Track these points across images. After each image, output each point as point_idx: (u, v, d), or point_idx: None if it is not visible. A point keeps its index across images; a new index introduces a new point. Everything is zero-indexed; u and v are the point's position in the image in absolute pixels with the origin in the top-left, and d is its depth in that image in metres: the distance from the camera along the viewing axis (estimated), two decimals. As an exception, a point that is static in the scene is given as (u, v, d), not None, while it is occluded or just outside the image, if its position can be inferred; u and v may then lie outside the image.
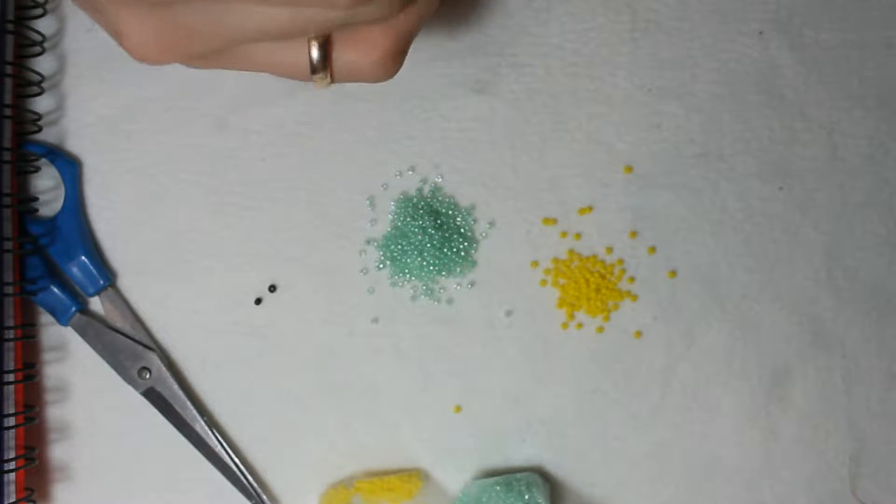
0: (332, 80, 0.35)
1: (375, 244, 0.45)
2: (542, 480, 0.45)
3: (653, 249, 0.46)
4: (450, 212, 0.45)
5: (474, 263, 0.46)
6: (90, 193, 0.45)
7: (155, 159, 0.45)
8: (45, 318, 0.44)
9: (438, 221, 0.45)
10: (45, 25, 0.44)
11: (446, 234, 0.45)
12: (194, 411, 0.44)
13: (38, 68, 0.44)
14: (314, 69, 0.34)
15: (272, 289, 0.45)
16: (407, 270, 0.45)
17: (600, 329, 0.46)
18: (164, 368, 0.44)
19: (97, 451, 0.45)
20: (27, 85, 0.43)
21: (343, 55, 0.34)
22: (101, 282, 0.44)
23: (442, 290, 0.46)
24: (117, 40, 0.33)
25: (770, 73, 0.46)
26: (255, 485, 0.45)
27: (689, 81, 0.46)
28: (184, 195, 0.45)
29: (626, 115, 0.46)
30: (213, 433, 0.44)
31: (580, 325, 0.46)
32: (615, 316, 0.46)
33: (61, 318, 0.44)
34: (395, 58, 0.34)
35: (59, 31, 0.45)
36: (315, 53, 0.33)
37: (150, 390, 0.44)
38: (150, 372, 0.44)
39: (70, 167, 0.44)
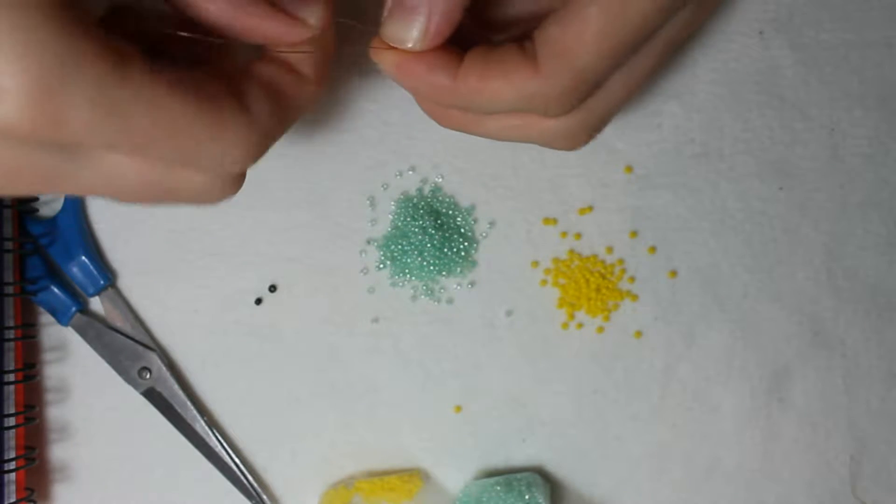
0: None
1: (376, 244, 0.45)
2: (542, 480, 0.45)
3: (653, 249, 0.46)
4: (450, 212, 0.45)
5: (474, 263, 0.46)
6: (90, 193, 0.45)
7: (155, 159, 0.45)
8: (45, 318, 0.44)
9: (438, 221, 0.45)
10: (45, 25, 0.44)
11: (446, 234, 0.45)
12: (194, 411, 0.44)
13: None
14: None
15: (272, 289, 0.45)
16: (407, 270, 0.45)
17: (600, 329, 0.46)
18: (164, 368, 0.44)
19: (97, 451, 0.45)
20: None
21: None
22: (101, 282, 0.44)
23: (442, 290, 0.46)
24: None
25: (770, 73, 0.46)
26: (255, 485, 0.45)
27: (689, 81, 0.46)
28: (184, 195, 0.45)
29: (626, 115, 0.46)
30: (213, 433, 0.44)
31: (580, 325, 0.46)
32: (615, 316, 0.46)
33: (61, 318, 0.44)
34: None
35: (59, 31, 0.45)
36: None
37: (150, 390, 0.44)
38: (150, 372, 0.44)
39: (70, 167, 0.44)
